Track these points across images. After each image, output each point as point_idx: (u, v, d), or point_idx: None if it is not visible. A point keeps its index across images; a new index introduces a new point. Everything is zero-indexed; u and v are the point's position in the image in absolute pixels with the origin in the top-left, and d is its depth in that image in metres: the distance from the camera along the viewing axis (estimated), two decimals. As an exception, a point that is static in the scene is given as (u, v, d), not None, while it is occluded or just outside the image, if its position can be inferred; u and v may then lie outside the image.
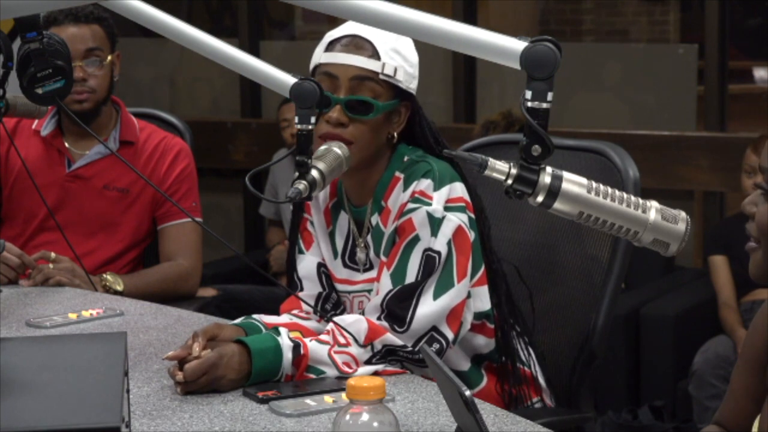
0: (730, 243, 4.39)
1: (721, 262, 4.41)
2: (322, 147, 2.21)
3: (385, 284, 2.24)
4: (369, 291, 2.34)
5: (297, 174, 2.12)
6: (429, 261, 2.22)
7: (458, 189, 2.27)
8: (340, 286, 2.41)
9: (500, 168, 1.64)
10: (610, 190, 1.67)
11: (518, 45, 1.63)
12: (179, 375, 2.06)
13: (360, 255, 2.37)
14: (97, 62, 3.26)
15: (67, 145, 3.32)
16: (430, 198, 2.24)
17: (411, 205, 2.25)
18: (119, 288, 3.10)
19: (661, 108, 5.29)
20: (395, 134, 2.33)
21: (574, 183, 1.65)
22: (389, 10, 1.69)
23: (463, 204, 2.27)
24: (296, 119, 2.14)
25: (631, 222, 1.66)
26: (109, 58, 3.29)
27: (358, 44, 2.28)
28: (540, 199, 1.65)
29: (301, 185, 2.09)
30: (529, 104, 1.62)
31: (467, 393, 1.57)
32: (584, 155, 2.62)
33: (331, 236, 2.41)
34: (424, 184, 2.26)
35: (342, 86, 2.26)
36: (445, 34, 1.68)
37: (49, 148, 3.31)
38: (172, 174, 3.33)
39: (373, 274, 2.34)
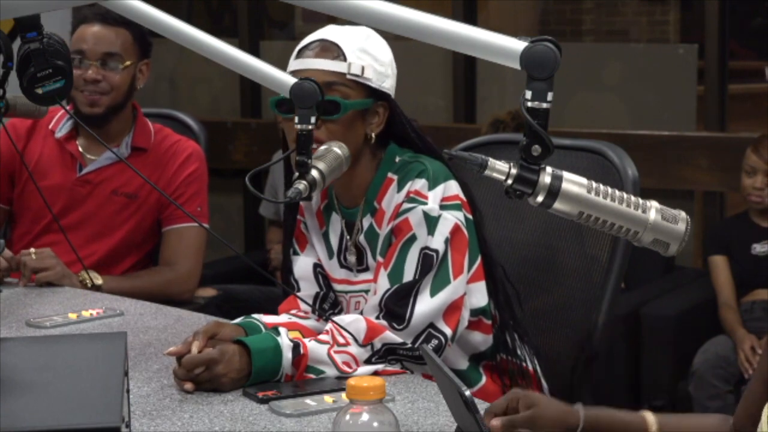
0: (730, 243, 4.39)
1: (721, 262, 4.41)
2: (323, 147, 2.21)
3: (383, 284, 2.24)
4: (366, 291, 2.34)
5: (297, 174, 2.13)
6: (426, 259, 2.22)
7: (453, 187, 2.27)
8: (337, 286, 2.41)
9: (500, 168, 1.64)
10: (610, 190, 1.67)
11: (518, 45, 1.63)
12: (179, 370, 2.07)
13: (350, 258, 2.37)
14: (114, 66, 3.26)
15: (80, 149, 3.32)
16: (426, 197, 2.24)
17: (406, 205, 2.25)
18: (98, 282, 3.08)
19: (661, 108, 5.28)
20: (373, 135, 2.33)
21: (574, 183, 1.65)
22: (389, 10, 1.69)
23: (458, 202, 2.27)
24: (296, 119, 2.14)
25: (631, 222, 1.66)
26: (129, 63, 3.28)
27: (324, 48, 2.29)
28: (540, 199, 1.65)
29: (301, 185, 2.09)
30: (529, 104, 1.62)
31: (467, 393, 1.57)
32: (583, 155, 2.62)
33: (326, 237, 2.41)
34: (419, 184, 2.26)
35: None
36: (445, 34, 1.68)
37: (63, 150, 3.32)
38: (180, 177, 3.33)
39: (370, 275, 2.34)
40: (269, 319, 2.37)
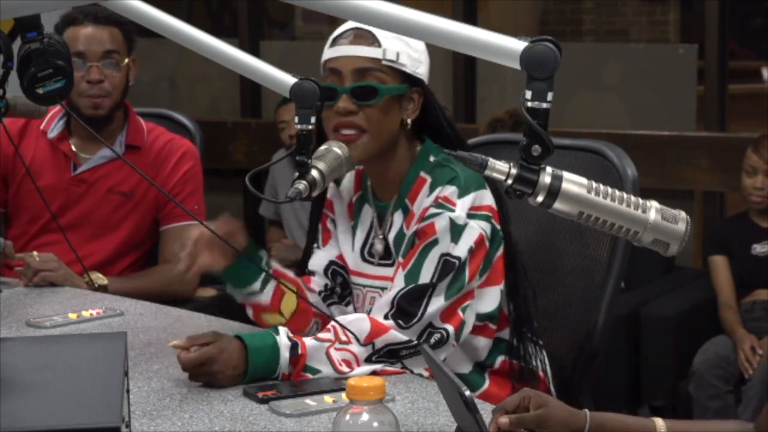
0: (730, 243, 4.39)
1: (721, 262, 4.41)
2: (322, 147, 2.22)
3: (398, 283, 2.25)
4: (383, 288, 2.35)
5: (297, 174, 2.13)
6: (447, 265, 2.23)
7: (485, 197, 2.28)
8: (355, 279, 2.42)
9: (500, 168, 1.64)
10: (610, 190, 1.67)
11: (518, 45, 1.63)
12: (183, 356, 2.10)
13: (377, 246, 2.38)
14: (114, 64, 3.26)
15: (73, 148, 3.31)
16: (454, 205, 2.25)
17: (433, 210, 2.26)
18: (103, 283, 3.09)
19: (661, 108, 5.28)
20: (409, 121, 2.34)
21: (574, 183, 1.65)
22: (389, 10, 1.69)
23: (488, 213, 2.28)
24: (296, 119, 2.15)
25: (631, 222, 1.66)
26: (126, 61, 3.28)
27: (359, 35, 2.31)
28: (540, 199, 1.65)
29: (301, 185, 2.10)
30: (529, 104, 1.62)
31: (467, 393, 1.57)
32: (582, 155, 2.63)
33: (353, 230, 2.43)
34: (449, 191, 2.27)
35: (346, 78, 2.29)
36: (445, 34, 1.68)
37: (56, 150, 3.31)
38: (176, 175, 3.32)
39: (390, 271, 2.34)
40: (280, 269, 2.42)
